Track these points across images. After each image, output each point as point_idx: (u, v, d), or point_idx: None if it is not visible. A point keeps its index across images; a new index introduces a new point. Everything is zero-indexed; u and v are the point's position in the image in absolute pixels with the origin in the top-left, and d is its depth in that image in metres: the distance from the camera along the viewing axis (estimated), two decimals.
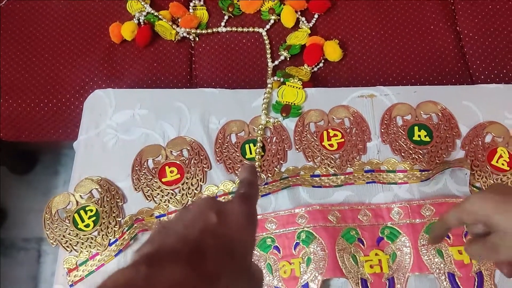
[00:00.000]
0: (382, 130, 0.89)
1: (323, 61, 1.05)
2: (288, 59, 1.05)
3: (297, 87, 0.94)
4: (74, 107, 1.07)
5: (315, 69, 1.04)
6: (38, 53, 1.12)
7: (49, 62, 1.11)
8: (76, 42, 1.12)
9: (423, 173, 0.84)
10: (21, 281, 1.45)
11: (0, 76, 1.09)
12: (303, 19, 1.11)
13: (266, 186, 0.85)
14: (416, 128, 0.89)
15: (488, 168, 0.85)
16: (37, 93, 1.08)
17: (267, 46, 1.07)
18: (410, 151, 0.87)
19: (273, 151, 0.89)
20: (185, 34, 1.10)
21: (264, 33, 1.10)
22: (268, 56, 1.06)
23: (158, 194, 0.85)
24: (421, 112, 0.91)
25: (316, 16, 1.11)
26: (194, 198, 0.84)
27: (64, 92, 1.07)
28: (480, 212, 0.53)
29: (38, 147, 1.58)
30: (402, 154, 0.87)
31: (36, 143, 1.37)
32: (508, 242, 0.51)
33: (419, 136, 0.88)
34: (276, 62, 1.04)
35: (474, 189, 0.84)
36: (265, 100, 0.93)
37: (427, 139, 0.88)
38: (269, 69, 1.03)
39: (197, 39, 1.12)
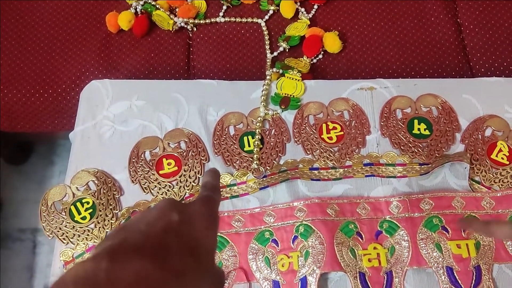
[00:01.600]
0: (382, 123, 0.89)
1: (322, 52, 1.04)
2: (287, 50, 1.04)
3: (296, 79, 0.93)
4: (71, 97, 1.05)
5: (314, 60, 1.03)
6: (34, 43, 1.10)
7: (45, 52, 1.09)
8: (72, 32, 1.11)
9: (422, 166, 0.84)
10: (17, 271, 1.44)
11: None
12: (303, 10, 1.09)
13: (264, 179, 0.84)
14: (416, 121, 0.89)
15: (487, 162, 0.85)
16: (33, 84, 1.06)
17: (266, 37, 1.06)
18: (409, 144, 0.86)
19: (271, 143, 0.88)
20: (182, 24, 1.09)
21: (263, 24, 1.08)
22: (267, 47, 1.05)
23: (156, 186, 0.84)
24: (421, 105, 0.90)
25: (315, 7, 1.10)
26: (192, 190, 0.84)
27: (61, 82, 1.06)
28: None
29: (33, 138, 1.56)
30: (402, 147, 0.86)
31: (32, 134, 1.36)
32: None
33: (418, 129, 0.88)
34: (275, 53, 1.03)
35: (473, 183, 0.83)
36: (264, 92, 0.92)
37: (427, 132, 0.88)
38: (268, 61, 1.01)
39: (195, 29, 1.10)
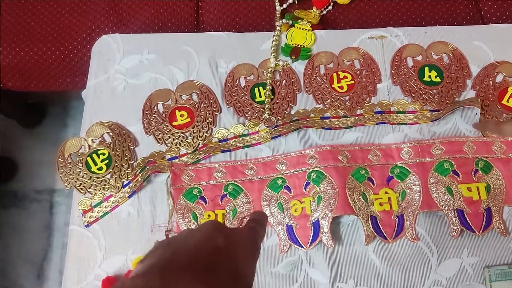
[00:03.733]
0: (393, 72, 0.89)
1: (332, 3, 1.03)
2: (296, 2, 1.03)
3: (306, 29, 0.93)
4: (82, 54, 1.06)
5: (324, 12, 1.02)
6: (43, 1, 1.10)
7: (55, 10, 1.09)
8: None
9: (433, 113, 0.84)
10: (36, 231, 1.48)
11: (7, 26, 1.08)
12: None
13: (276, 128, 0.85)
14: (426, 68, 0.88)
15: (498, 107, 0.85)
16: (44, 42, 1.07)
17: None
18: (420, 91, 0.87)
19: (282, 94, 0.89)
20: None
21: None
22: None
23: (169, 137, 0.86)
24: (432, 53, 0.90)
25: None
26: (205, 141, 0.85)
27: (71, 39, 1.07)
28: None
29: (46, 100, 1.58)
30: (413, 95, 0.86)
31: (44, 95, 1.37)
32: None
33: (429, 76, 0.88)
34: (284, 6, 1.03)
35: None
36: (274, 43, 0.92)
37: (438, 79, 0.88)
38: (277, 13, 1.01)
39: None
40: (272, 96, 0.88)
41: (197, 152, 0.85)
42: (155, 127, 0.87)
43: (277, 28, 0.94)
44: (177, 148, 0.85)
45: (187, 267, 0.34)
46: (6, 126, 1.56)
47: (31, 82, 1.12)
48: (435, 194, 0.78)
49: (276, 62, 0.90)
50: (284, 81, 0.90)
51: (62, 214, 1.50)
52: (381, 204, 0.79)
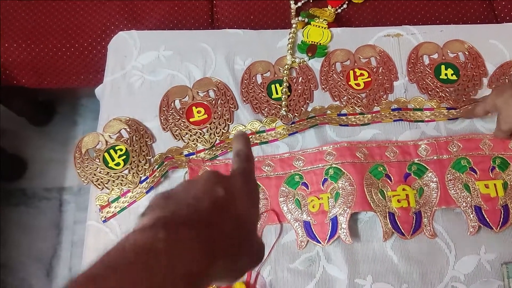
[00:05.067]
0: (409, 69, 0.89)
1: (347, 2, 1.03)
2: (311, 0, 1.04)
3: (322, 27, 0.94)
4: (96, 51, 1.07)
5: (339, 10, 1.03)
6: None
7: (69, 6, 1.10)
8: None
9: (450, 111, 0.84)
10: (45, 229, 1.48)
11: (21, 22, 1.08)
12: None
13: (293, 125, 0.85)
14: (443, 66, 0.89)
15: None
16: (58, 38, 1.07)
17: None
18: (437, 89, 0.87)
19: (299, 91, 0.89)
20: None
21: None
22: None
23: (187, 133, 0.86)
24: (448, 51, 0.90)
25: None
26: (222, 137, 0.85)
27: (86, 36, 1.07)
28: (496, 102, 0.76)
29: (56, 98, 1.58)
30: (429, 92, 0.87)
31: (54, 92, 1.38)
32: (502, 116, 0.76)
33: (445, 74, 0.88)
34: (299, 4, 1.03)
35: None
36: (290, 40, 0.92)
37: (454, 77, 0.88)
38: (292, 11, 1.01)
39: None
40: (289, 93, 0.89)
41: (214, 148, 0.85)
42: (172, 123, 0.87)
43: (293, 25, 0.95)
44: (194, 144, 0.85)
45: (189, 220, 0.34)
46: (16, 124, 1.56)
47: (44, 79, 1.13)
48: (452, 191, 0.79)
49: (293, 59, 0.91)
50: (300, 78, 0.90)
51: (71, 212, 1.50)
52: (398, 201, 0.79)
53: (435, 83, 0.87)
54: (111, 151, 0.85)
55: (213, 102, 0.88)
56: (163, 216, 0.34)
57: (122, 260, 0.30)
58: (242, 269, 0.39)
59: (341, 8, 1.03)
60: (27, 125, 1.57)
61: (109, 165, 0.84)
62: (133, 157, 0.84)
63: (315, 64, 0.91)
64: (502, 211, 0.77)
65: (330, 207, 0.79)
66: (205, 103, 0.88)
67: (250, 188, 0.43)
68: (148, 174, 0.83)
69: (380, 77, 0.89)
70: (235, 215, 0.38)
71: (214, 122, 0.87)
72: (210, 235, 0.34)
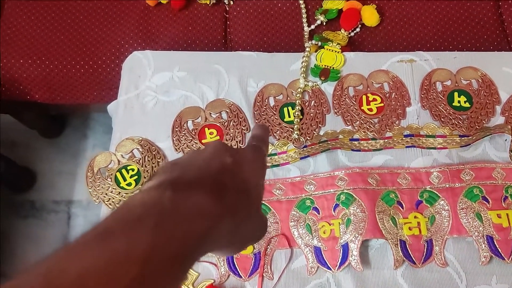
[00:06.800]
0: (422, 95, 0.89)
1: (360, 26, 1.04)
2: (324, 23, 1.04)
3: (336, 51, 0.94)
4: (110, 69, 1.08)
5: (352, 34, 1.03)
6: (73, 15, 1.12)
7: (84, 24, 1.11)
8: (111, 5, 1.13)
9: (462, 138, 0.84)
10: (53, 241, 1.48)
11: (36, 39, 1.10)
12: None
13: (305, 149, 0.85)
14: (456, 93, 0.89)
15: None
16: (72, 55, 1.09)
17: (303, 10, 1.07)
18: (449, 116, 0.87)
19: (311, 114, 0.89)
20: None
21: None
22: (304, 20, 1.05)
23: None
24: (461, 78, 0.90)
25: None
26: None
27: (100, 54, 1.08)
28: None
29: (67, 111, 1.59)
30: (442, 119, 0.87)
31: (67, 107, 1.38)
32: None
33: (458, 101, 0.88)
34: (312, 27, 1.04)
35: None
36: (303, 64, 0.93)
37: (467, 105, 0.88)
38: (305, 34, 1.02)
39: (231, 2, 1.11)
40: (301, 116, 0.89)
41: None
42: (185, 144, 0.87)
43: (307, 49, 0.95)
44: None
45: (197, 183, 0.34)
46: (26, 136, 1.57)
47: (57, 95, 1.14)
48: (464, 219, 0.78)
49: (306, 83, 0.91)
50: (313, 101, 0.90)
51: (79, 226, 1.50)
52: (410, 229, 0.78)
53: (447, 110, 0.87)
54: (123, 171, 0.86)
55: (226, 123, 0.89)
56: (170, 177, 0.34)
57: (131, 216, 0.30)
58: (244, 239, 0.39)
59: (354, 31, 1.04)
60: (37, 137, 1.58)
61: (121, 185, 0.85)
62: (145, 177, 0.85)
63: (328, 88, 0.91)
64: None
65: (341, 233, 0.78)
66: (217, 124, 0.89)
67: (258, 160, 0.43)
68: None
69: (393, 102, 0.89)
70: (242, 179, 0.38)
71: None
72: (217, 193, 0.34)
